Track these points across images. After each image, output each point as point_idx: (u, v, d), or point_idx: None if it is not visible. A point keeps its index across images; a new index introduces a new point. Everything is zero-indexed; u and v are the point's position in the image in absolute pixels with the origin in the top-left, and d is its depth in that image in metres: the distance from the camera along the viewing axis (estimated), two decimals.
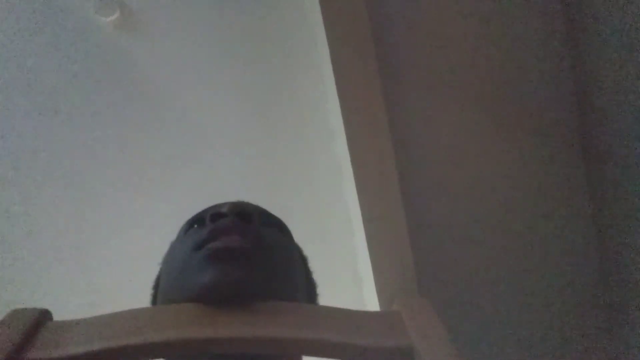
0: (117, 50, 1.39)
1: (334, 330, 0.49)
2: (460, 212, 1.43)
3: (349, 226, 1.45)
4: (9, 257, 1.42)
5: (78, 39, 1.37)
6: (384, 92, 1.26)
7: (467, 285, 1.47)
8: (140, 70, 1.40)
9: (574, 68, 1.39)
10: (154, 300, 0.67)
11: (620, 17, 1.18)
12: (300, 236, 0.86)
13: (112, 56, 1.40)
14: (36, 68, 1.37)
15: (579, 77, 1.38)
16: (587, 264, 1.47)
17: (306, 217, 1.48)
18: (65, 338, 0.47)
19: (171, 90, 1.42)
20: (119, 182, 1.43)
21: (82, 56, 1.38)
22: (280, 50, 1.43)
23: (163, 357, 0.47)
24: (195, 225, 0.62)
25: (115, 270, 1.46)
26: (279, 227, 0.65)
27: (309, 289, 0.72)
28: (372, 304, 1.44)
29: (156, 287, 0.68)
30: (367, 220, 1.31)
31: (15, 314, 0.50)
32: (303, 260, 0.74)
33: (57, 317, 0.53)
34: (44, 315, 0.51)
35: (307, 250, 0.87)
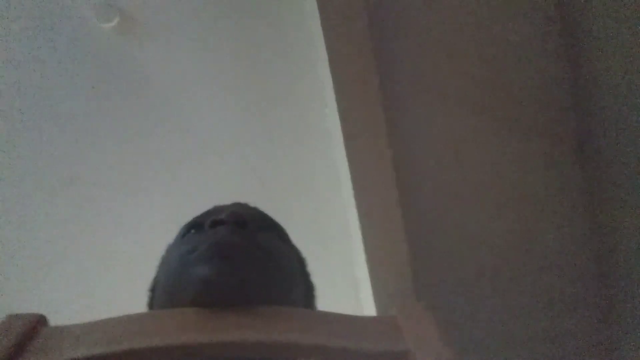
0: (117, 55, 1.39)
1: (330, 335, 0.49)
2: (458, 216, 1.43)
3: (346, 229, 1.45)
4: (4, 261, 1.42)
5: (78, 45, 1.37)
6: (381, 96, 1.26)
7: (464, 289, 1.47)
8: (140, 74, 1.40)
9: (571, 68, 1.39)
10: (151, 303, 0.66)
11: (617, 18, 1.19)
12: (297, 239, 0.86)
13: (112, 61, 1.40)
14: (36, 72, 1.37)
15: (576, 78, 1.39)
16: (583, 262, 1.47)
17: (303, 220, 1.48)
18: (61, 343, 0.47)
19: (170, 94, 1.42)
20: (117, 185, 1.43)
21: (82, 61, 1.38)
22: (279, 54, 1.43)
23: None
24: (193, 230, 0.62)
25: (111, 273, 1.45)
26: (276, 232, 0.66)
27: (307, 292, 0.73)
28: (368, 307, 1.44)
29: (153, 290, 0.68)
30: (365, 224, 1.31)
31: (11, 320, 0.50)
32: (301, 262, 0.74)
33: (52, 321, 0.53)
34: (40, 321, 0.51)
35: (304, 253, 0.87)
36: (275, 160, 1.51)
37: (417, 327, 0.52)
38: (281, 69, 1.44)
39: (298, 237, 0.87)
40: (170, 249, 0.64)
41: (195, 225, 0.62)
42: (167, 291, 0.56)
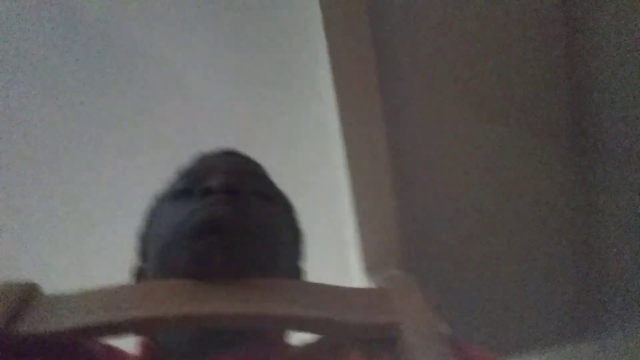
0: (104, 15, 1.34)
1: (321, 307, 0.49)
2: (450, 186, 1.44)
3: (335, 189, 1.45)
4: None
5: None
6: (376, 60, 1.23)
7: (451, 256, 1.50)
8: (126, 28, 1.36)
9: (569, 59, 1.38)
10: (142, 254, 0.65)
11: (615, 9, 1.18)
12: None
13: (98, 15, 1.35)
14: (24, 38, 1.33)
15: (574, 69, 1.38)
16: (574, 238, 1.52)
17: (291, 178, 1.47)
18: (55, 312, 0.47)
19: (157, 46, 1.38)
20: (105, 140, 1.40)
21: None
22: (272, 10, 1.39)
23: (153, 332, 0.47)
24: (183, 193, 0.60)
25: (101, 230, 1.45)
26: (269, 194, 0.63)
27: (297, 244, 0.73)
28: (355, 268, 1.47)
29: (143, 241, 0.66)
30: (354, 185, 1.31)
31: (3, 288, 0.49)
32: (291, 214, 0.73)
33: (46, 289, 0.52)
34: (33, 289, 0.50)
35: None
36: (265, 116, 1.49)
37: (408, 300, 0.52)
38: (274, 23, 1.40)
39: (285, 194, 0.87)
40: (161, 211, 0.62)
41: (185, 191, 0.60)
42: (161, 261, 0.55)
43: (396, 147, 1.35)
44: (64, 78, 1.37)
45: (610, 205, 1.39)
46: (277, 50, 1.43)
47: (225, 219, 0.51)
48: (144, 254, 0.65)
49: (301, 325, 0.47)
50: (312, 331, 0.48)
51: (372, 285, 1.35)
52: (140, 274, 0.65)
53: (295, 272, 0.66)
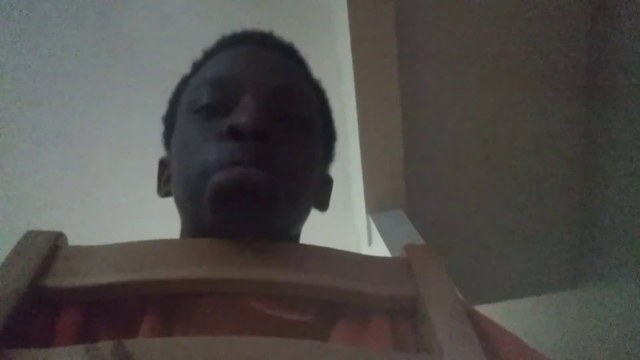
0: None
1: (346, 276, 0.47)
2: (457, 135, 1.42)
3: (344, 128, 1.43)
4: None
5: None
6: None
7: (453, 202, 1.50)
8: None
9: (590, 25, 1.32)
10: (162, 178, 0.61)
11: None
12: None
13: None
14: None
15: (594, 34, 1.32)
16: (572, 189, 1.51)
17: None
18: (83, 266, 0.45)
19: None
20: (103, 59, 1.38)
21: None
22: None
23: (180, 293, 0.46)
24: (207, 109, 0.51)
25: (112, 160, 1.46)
26: (303, 118, 0.54)
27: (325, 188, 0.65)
28: (358, 208, 1.48)
29: (167, 134, 0.60)
30: (363, 125, 1.29)
31: (30, 238, 0.48)
32: (328, 133, 0.64)
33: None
34: (60, 240, 0.49)
35: None
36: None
37: (429, 271, 0.50)
38: None
39: None
40: (183, 120, 0.53)
41: (211, 108, 0.52)
42: (182, 198, 0.52)
43: (407, 91, 1.31)
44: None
45: (610, 160, 1.38)
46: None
47: (252, 189, 0.47)
48: (168, 146, 0.60)
49: (325, 294, 0.46)
50: (336, 299, 0.46)
51: (374, 224, 1.37)
52: (163, 164, 0.62)
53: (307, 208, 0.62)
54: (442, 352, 0.41)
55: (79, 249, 0.48)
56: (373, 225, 1.34)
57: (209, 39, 0.63)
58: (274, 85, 0.53)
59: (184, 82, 0.60)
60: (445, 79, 1.38)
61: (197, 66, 0.60)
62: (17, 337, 0.39)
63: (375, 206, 1.36)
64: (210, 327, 0.42)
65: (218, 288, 0.44)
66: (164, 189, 0.61)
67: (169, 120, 0.61)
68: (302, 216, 0.56)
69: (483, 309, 0.52)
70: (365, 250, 1.47)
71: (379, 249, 1.27)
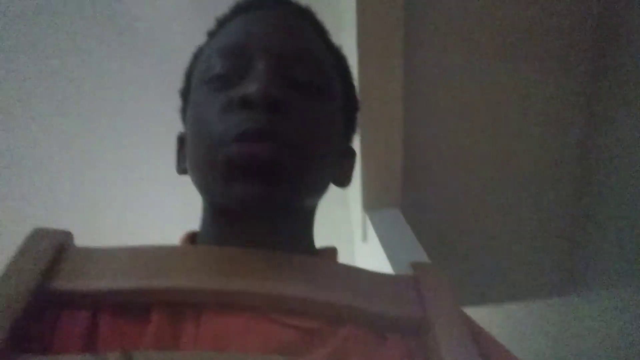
0: None
1: (356, 295, 0.46)
2: (456, 138, 1.42)
3: None
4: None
5: None
6: None
7: (449, 204, 1.50)
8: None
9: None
10: (184, 123, 0.58)
11: None
12: None
13: None
14: None
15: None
16: (568, 194, 1.51)
17: None
18: (90, 269, 0.44)
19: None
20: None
21: None
22: None
23: (189, 302, 0.45)
24: (220, 79, 0.50)
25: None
26: (318, 84, 0.51)
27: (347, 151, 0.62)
28: (355, 203, 1.47)
29: (184, 108, 0.58)
30: (363, 122, 1.28)
31: (37, 236, 0.46)
32: (349, 102, 0.60)
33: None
34: (67, 239, 0.47)
35: None
36: None
37: (438, 292, 0.49)
38: None
39: None
40: (196, 92, 0.52)
41: (223, 78, 0.50)
42: (195, 174, 0.51)
43: (409, 90, 1.31)
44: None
45: (606, 168, 1.38)
46: None
47: (262, 167, 0.45)
48: (184, 120, 0.58)
49: (332, 310, 0.45)
50: (343, 316, 0.45)
51: (370, 221, 1.37)
52: (181, 140, 0.60)
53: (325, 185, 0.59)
54: None
55: (86, 250, 0.47)
56: (369, 222, 1.34)
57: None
58: (287, 51, 0.51)
59: (199, 53, 0.58)
60: (448, 79, 1.37)
61: (211, 35, 0.58)
62: (23, 339, 0.39)
63: (372, 203, 1.36)
64: (216, 334, 0.41)
65: (225, 299, 0.43)
66: (181, 166, 0.59)
67: (185, 93, 0.59)
68: (319, 190, 0.53)
69: (475, 311, 0.52)
70: (359, 246, 1.47)
71: (374, 246, 1.27)
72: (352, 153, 0.63)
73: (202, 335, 0.41)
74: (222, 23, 0.58)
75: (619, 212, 1.38)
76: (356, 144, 1.34)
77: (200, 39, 0.59)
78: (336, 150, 0.55)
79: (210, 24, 0.60)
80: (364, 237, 1.41)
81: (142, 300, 0.43)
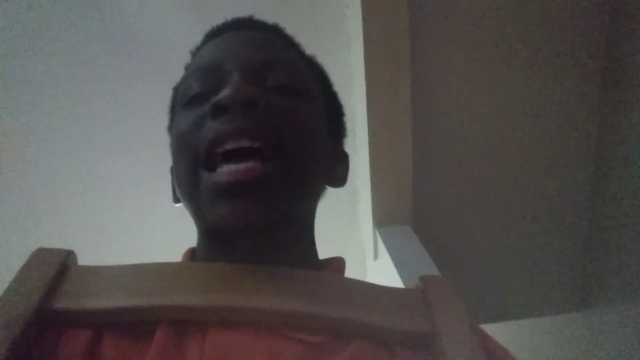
0: None
1: (363, 309, 0.45)
2: (465, 154, 1.42)
3: (353, 140, 1.43)
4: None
5: None
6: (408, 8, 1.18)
7: (460, 221, 1.49)
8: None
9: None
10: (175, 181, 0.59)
11: None
12: None
13: None
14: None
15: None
16: (580, 211, 1.50)
17: None
18: (92, 288, 0.44)
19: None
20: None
21: None
22: None
23: (193, 319, 0.44)
24: (197, 99, 0.50)
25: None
26: (295, 87, 0.52)
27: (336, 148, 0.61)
28: (366, 220, 1.47)
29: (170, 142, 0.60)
30: (373, 139, 1.29)
31: (41, 256, 0.47)
32: (331, 106, 0.60)
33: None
34: (70, 258, 0.48)
35: None
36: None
37: (447, 306, 0.47)
38: None
39: None
40: (177, 116, 0.53)
41: (199, 97, 0.50)
42: (187, 204, 0.52)
43: (418, 106, 1.32)
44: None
45: (620, 183, 1.37)
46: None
47: (250, 186, 0.44)
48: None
49: (339, 326, 0.43)
50: (350, 331, 0.45)
51: (381, 239, 1.36)
52: (173, 172, 0.61)
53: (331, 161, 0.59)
54: None
55: (88, 269, 0.47)
56: (380, 240, 1.33)
57: None
58: (259, 61, 0.51)
59: (178, 87, 0.59)
60: (457, 95, 1.38)
61: (187, 68, 0.59)
62: (25, 358, 0.39)
63: (383, 220, 1.35)
64: (222, 351, 0.41)
65: (230, 315, 0.43)
66: (176, 195, 0.59)
67: (171, 128, 0.60)
68: (310, 193, 0.53)
69: (487, 328, 0.51)
70: (371, 264, 1.46)
71: (385, 263, 1.26)
72: (345, 156, 0.63)
73: (208, 352, 0.41)
74: (195, 53, 0.60)
75: (632, 227, 1.36)
76: (366, 160, 1.34)
77: None
78: (323, 150, 0.55)
79: None
80: (375, 255, 1.40)
81: (146, 318, 0.43)
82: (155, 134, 1.38)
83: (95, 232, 1.54)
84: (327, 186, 0.59)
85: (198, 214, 0.50)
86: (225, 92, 0.46)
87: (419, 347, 0.45)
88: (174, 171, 0.54)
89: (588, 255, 1.55)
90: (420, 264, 1.15)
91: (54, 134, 1.44)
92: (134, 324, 0.43)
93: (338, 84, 0.65)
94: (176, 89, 0.59)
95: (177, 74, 0.61)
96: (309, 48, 0.63)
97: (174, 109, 0.59)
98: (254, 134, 0.45)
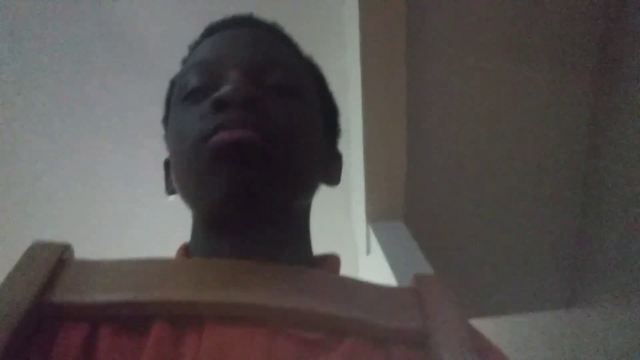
0: None
1: (357, 307, 0.45)
2: (459, 152, 1.43)
3: (347, 137, 1.43)
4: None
5: None
6: (406, 8, 1.19)
7: (452, 217, 1.50)
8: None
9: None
10: (168, 174, 0.60)
11: None
12: None
13: None
14: None
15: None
16: (573, 206, 1.51)
17: None
18: (89, 282, 0.45)
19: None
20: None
21: None
22: None
23: (190, 314, 0.45)
24: (195, 93, 0.51)
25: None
26: (293, 87, 0.53)
27: (331, 151, 0.63)
28: (359, 215, 1.48)
29: (166, 136, 0.59)
30: (367, 136, 1.29)
31: (37, 249, 0.47)
32: (327, 107, 0.62)
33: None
34: (66, 252, 0.48)
35: None
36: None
37: (441, 305, 0.47)
38: None
39: None
40: (174, 111, 0.55)
41: (197, 92, 0.51)
42: (185, 189, 0.52)
43: (413, 104, 1.32)
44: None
45: (611, 181, 1.38)
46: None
47: (247, 148, 0.45)
48: (167, 146, 0.60)
49: (332, 323, 0.44)
50: (343, 328, 0.44)
51: (374, 234, 1.37)
52: (168, 165, 0.61)
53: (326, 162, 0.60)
54: None
55: (85, 263, 0.48)
56: (372, 235, 1.34)
57: None
58: (257, 59, 0.52)
59: (175, 80, 0.60)
60: (451, 94, 1.38)
61: (184, 62, 0.60)
62: (21, 352, 0.39)
63: (376, 216, 1.36)
64: (219, 346, 0.41)
65: (227, 311, 0.43)
66: (169, 188, 0.60)
67: (166, 121, 0.60)
68: (304, 187, 0.54)
69: (477, 323, 0.52)
70: (363, 259, 1.47)
71: (377, 259, 1.27)
72: (339, 156, 0.64)
73: (204, 347, 0.41)
74: (193, 48, 0.60)
75: (622, 225, 1.38)
76: (360, 156, 1.34)
77: None
78: (318, 148, 0.56)
79: None
80: (368, 250, 1.41)
81: (143, 312, 0.43)
82: (149, 127, 1.39)
83: (90, 225, 1.54)
84: (321, 184, 0.59)
85: (195, 196, 0.50)
86: (226, 89, 0.47)
87: (414, 345, 0.46)
88: (171, 162, 0.55)
89: (578, 253, 1.57)
90: (412, 259, 1.16)
91: (49, 127, 1.44)
92: (131, 319, 0.43)
93: (334, 81, 0.66)
94: (173, 83, 0.60)
95: (171, 69, 0.61)
96: (305, 47, 0.64)
97: (170, 102, 0.59)
98: (254, 125, 0.46)
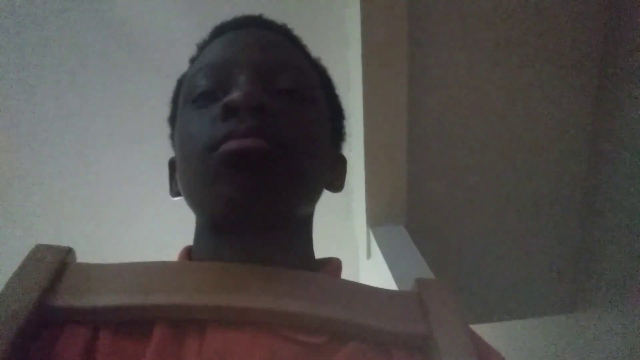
0: None
1: (360, 311, 0.45)
2: (460, 156, 1.43)
3: (348, 140, 1.42)
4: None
5: None
6: (407, 8, 1.19)
7: (453, 222, 1.50)
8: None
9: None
10: (172, 176, 0.61)
11: None
12: None
13: None
14: None
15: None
16: (574, 210, 1.51)
17: None
18: (91, 286, 0.45)
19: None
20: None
21: None
22: None
23: (192, 318, 0.45)
24: (204, 96, 0.51)
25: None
26: (302, 91, 0.52)
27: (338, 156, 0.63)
28: (360, 219, 1.48)
29: (172, 136, 0.59)
30: (368, 139, 1.29)
31: (40, 253, 0.47)
32: (334, 110, 0.62)
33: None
34: (69, 256, 0.48)
35: None
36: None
37: (443, 309, 0.47)
38: None
39: None
40: (182, 112, 0.53)
41: (207, 95, 0.51)
42: (191, 196, 0.52)
43: (414, 107, 1.32)
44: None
45: (612, 188, 1.38)
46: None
47: (250, 158, 0.45)
48: (174, 145, 0.59)
49: (335, 327, 0.44)
50: (345, 332, 0.44)
51: (374, 238, 1.37)
52: (172, 165, 0.61)
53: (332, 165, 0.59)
54: None
55: (87, 266, 0.48)
56: (373, 239, 1.34)
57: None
58: (268, 63, 0.52)
59: (182, 79, 0.60)
60: (453, 96, 1.38)
61: (192, 61, 0.60)
62: (23, 356, 0.39)
63: (377, 220, 1.36)
64: (221, 350, 0.41)
65: (229, 315, 0.43)
66: (174, 189, 0.60)
67: (173, 120, 0.60)
68: (311, 195, 0.54)
69: (479, 329, 0.51)
70: (364, 263, 1.47)
71: (378, 263, 1.27)
72: (343, 161, 0.65)
73: (206, 351, 0.41)
74: (202, 47, 0.60)
75: (624, 229, 1.37)
76: (361, 160, 1.34)
77: None
78: (326, 154, 0.56)
79: None
80: (369, 254, 1.41)
81: (144, 316, 0.43)
82: (152, 128, 1.39)
83: (91, 227, 1.54)
84: (325, 190, 0.59)
85: (201, 201, 0.49)
86: (234, 95, 0.46)
87: (415, 350, 0.46)
88: (178, 165, 0.54)
89: (580, 258, 1.57)
90: (413, 263, 1.16)
91: (50, 128, 1.44)
92: (133, 323, 0.43)
93: (335, 83, 0.66)
94: (181, 82, 0.60)
95: (174, 69, 0.61)
96: (307, 47, 0.64)
97: (177, 101, 0.59)
98: (263, 134, 0.46)
